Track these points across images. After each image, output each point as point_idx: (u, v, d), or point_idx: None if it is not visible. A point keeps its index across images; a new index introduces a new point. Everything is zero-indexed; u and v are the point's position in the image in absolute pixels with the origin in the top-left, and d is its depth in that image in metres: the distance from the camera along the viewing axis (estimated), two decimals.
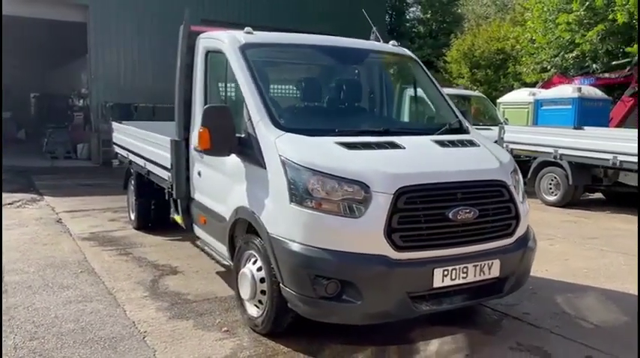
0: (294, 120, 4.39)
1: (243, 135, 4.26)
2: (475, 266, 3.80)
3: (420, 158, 3.99)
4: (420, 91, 5.25)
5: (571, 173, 9.95)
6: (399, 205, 3.57)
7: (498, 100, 15.06)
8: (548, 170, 10.48)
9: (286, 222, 3.75)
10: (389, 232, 3.55)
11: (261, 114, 4.18)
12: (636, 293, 5.31)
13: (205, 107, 4.18)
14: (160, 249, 6.74)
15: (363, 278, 3.54)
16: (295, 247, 3.65)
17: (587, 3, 13.59)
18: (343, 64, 5.18)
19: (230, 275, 5.45)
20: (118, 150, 8.46)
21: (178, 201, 5.57)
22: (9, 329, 4.26)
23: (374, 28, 5.87)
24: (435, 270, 3.65)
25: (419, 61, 5.46)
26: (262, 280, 4.10)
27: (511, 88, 17.68)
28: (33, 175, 13.34)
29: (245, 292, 4.23)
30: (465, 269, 3.76)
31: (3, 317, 4.46)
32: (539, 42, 15.48)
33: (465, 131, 4.80)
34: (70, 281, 5.47)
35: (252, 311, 4.26)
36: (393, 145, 4.05)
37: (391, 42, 5.52)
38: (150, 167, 6.57)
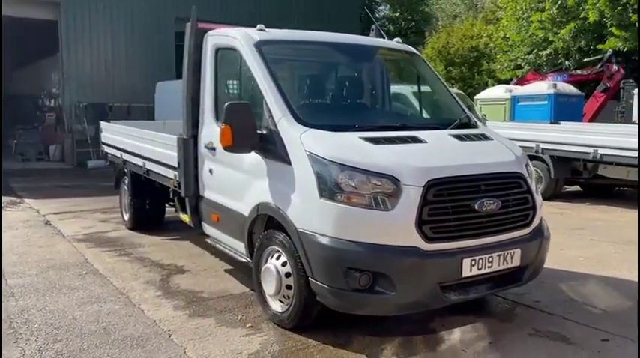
0: (315, 116, 4.42)
1: (264, 132, 4.28)
2: (499, 255, 3.93)
3: (444, 151, 4.10)
4: (427, 87, 5.36)
5: (553, 167, 10.26)
6: (428, 198, 3.67)
7: (475, 97, 15.38)
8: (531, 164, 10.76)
9: (316, 217, 3.80)
10: (420, 224, 3.64)
11: (283, 110, 4.21)
12: (632, 279, 5.54)
13: (227, 104, 4.18)
14: (160, 249, 6.68)
15: (397, 270, 3.62)
16: (327, 241, 3.70)
17: (560, 2, 14.04)
18: (355, 60, 5.25)
19: (240, 273, 5.51)
20: (108, 150, 8.32)
21: (186, 199, 5.54)
22: (28, 332, 4.18)
23: (374, 25, 5.96)
24: (464, 260, 3.75)
25: (423, 57, 5.57)
26: (287, 275, 4.13)
27: (485, 85, 18.08)
28: (6, 177, 12.96)
29: (269, 288, 4.25)
30: (490, 259, 3.88)
31: (18, 320, 4.39)
32: (513, 40, 15.89)
33: (474, 125, 4.94)
34: (77, 282, 5.38)
35: (277, 306, 4.29)
36: (416, 139, 4.14)
37: (395, 39, 5.61)
38: (150, 166, 6.50)
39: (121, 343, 3.99)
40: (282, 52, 4.82)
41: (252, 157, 4.41)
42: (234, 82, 5.03)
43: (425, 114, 5.50)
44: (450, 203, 3.74)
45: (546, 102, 12.89)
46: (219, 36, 5.11)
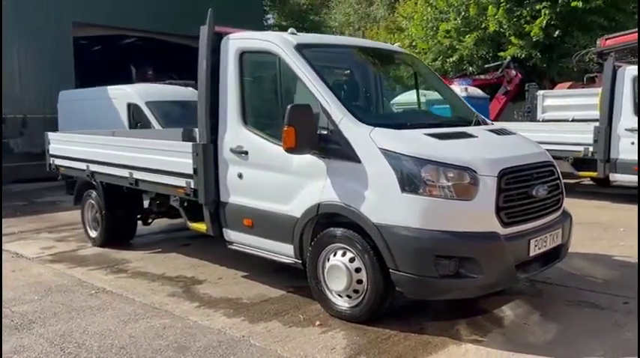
0: (370, 115, 4.60)
1: (324, 132, 4.36)
2: (550, 235, 4.40)
3: (495, 145, 4.50)
4: (435, 88, 5.76)
5: None
6: (501, 186, 4.02)
7: (392, 101, 16.20)
8: None
9: (399, 210, 3.98)
10: (497, 210, 3.98)
11: (342, 111, 4.34)
12: (603, 253, 6.36)
13: (290, 106, 4.21)
14: (153, 263, 6.36)
15: (485, 254, 3.92)
16: (414, 232, 3.91)
17: (463, 13, 15.35)
18: (383, 63, 5.48)
19: (261, 277, 5.49)
20: (61, 162, 7.71)
21: (204, 207, 5.40)
22: (93, 355, 3.87)
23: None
24: (531, 241, 4.16)
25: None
26: (357, 270, 4.26)
27: (394, 91, 19.09)
28: None
29: (338, 284, 4.33)
30: (545, 239, 4.33)
31: (69, 345, 4.05)
32: (421, 47, 17.05)
33: (485, 122, 5.41)
34: (94, 302, 5.02)
35: (343, 302, 4.39)
36: (469, 135, 4.49)
37: (396, 43, 5.95)
38: (142, 176, 6.18)
39: (207, 353, 3.86)
40: (319, 55, 4.92)
41: (304, 158, 4.47)
42: (272, 85, 5.02)
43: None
44: (516, 190, 4.13)
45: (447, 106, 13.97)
46: (246, 39, 5.10)
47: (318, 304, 4.68)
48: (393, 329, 4.21)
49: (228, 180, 5.19)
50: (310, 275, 4.58)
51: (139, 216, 7.28)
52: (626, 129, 9.46)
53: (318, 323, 4.38)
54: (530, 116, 13.00)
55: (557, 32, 14.89)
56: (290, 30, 4.99)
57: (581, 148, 9.95)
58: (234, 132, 5.08)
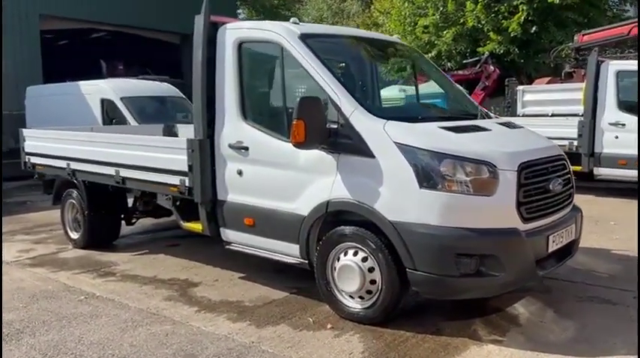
0: (383, 108, 4.42)
1: (333, 126, 4.16)
2: (565, 230, 4.30)
3: (509, 138, 4.37)
4: (437, 81, 5.62)
5: None
6: (521, 180, 3.89)
7: None
8: None
9: (417, 207, 3.81)
10: (518, 205, 3.85)
11: (353, 103, 4.15)
12: (598, 246, 6.34)
13: (300, 98, 3.99)
14: (141, 265, 6.05)
15: (507, 251, 3.79)
16: (434, 229, 3.74)
17: (441, 9, 15.32)
18: (388, 55, 5.30)
19: (260, 278, 5.27)
20: (38, 160, 7.30)
21: (200, 206, 5.13)
22: None
23: None
24: (549, 237, 4.05)
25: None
26: (371, 270, 4.08)
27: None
28: None
29: (350, 285, 4.14)
30: (562, 234, 4.23)
31: (58, 356, 3.75)
32: None
33: (489, 115, 5.30)
34: (85, 308, 4.71)
35: (355, 303, 4.20)
36: (482, 128, 4.35)
37: (395, 35, 5.78)
38: (130, 174, 5.86)
39: None
40: (324, 45, 4.70)
41: (312, 154, 4.26)
42: (271, 78, 4.79)
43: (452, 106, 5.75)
44: (534, 184, 4.01)
45: (440, 99, 13.95)
46: (245, 29, 4.85)
47: (325, 305, 4.50)
48: (409, 331, 4.05)
49: (227, 177, 4.94)
50: (318, 276, 4.38)
51: (122, 216, 6.96)
52: (610, 124, 9.53)
53: (329, 326, 4.19)
54: (510, 111, 13.05)
55: (534, 28, 15.02)
56: (292, 19, 4.77)
57: (565, 143, 9.98)
58: (233, 127, 4.84)
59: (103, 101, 12.02)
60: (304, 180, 4.38)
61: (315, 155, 4.25)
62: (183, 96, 12.99)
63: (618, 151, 9.35)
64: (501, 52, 15.13)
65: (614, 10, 18.17)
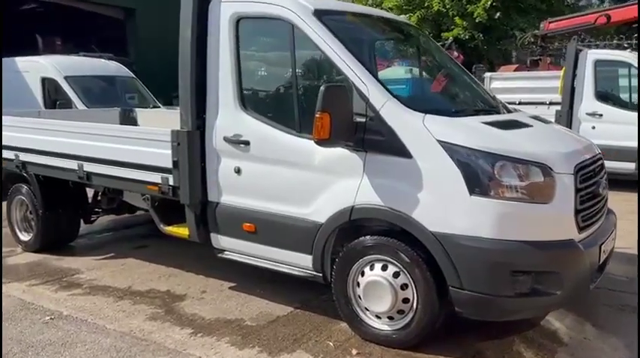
0: (419, 99, 3.85)
1: (360, 120, 3.55)
2: (612, 237, 3.90)
3: (555, 137, 3.92)
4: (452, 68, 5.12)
5: None
6: (577, 184, 3.44)
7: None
8: None
9: (466, 217, 3.28)
10: (575, 213, 3.39)
11: (384, 94, 3.56)
12: None
13: (325, 86, 3.34)
14: (109, 273, 5.26)
15: (568, 266, 3.33)
16: (487, 243, 3.22)
17: None
18: (413, 39, 4.68)
19: (255, 289, 4.67)
20: None
21: (186, 208, 4.42)
22: None
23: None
24: (602, 246, 3.63)
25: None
26: (404, 287, 3.53)
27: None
28: None
29: (381, 304, 3.58)
30: (609, 242, 3.83)
31: None
32: None
33: (507, 108, 4.83)
34: (56, 334, 3.93)
35: (382, 324, 3.66)
36: (523, 124, 3.86)
37: (401, 16, 5.21)
38: (95, 168, 5.03)
39: None
40: (342, 25, 4.04)
41: (333, 152, 3.63)
42: (279, 61, 4.11)
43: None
44: (588, 188, 3.57)
45: (404, 86, 13.53)
46: (244, 3, 4.12)
47: (340, 324, 3.95)
48: (447, 355, 3.55)
49: (221, 175, 4.25)
50: (337, 292, 3.80)
51: (81, 214, 6.11)
52: (587, 114, 9.41)
53: (355, 352, 3.61)
54: None
55: (497, 14, 14.84)
56: None
57: None
58: (230, 118, 4.14)
59: (44, 80, 10.78)
60: (321, 181, 3.76)
61: (337, 153, 3.63)
62: (134, 76, 11.97)
63: (595, 142, 9.20)
64: (466, 37, 14.90)
65: None
